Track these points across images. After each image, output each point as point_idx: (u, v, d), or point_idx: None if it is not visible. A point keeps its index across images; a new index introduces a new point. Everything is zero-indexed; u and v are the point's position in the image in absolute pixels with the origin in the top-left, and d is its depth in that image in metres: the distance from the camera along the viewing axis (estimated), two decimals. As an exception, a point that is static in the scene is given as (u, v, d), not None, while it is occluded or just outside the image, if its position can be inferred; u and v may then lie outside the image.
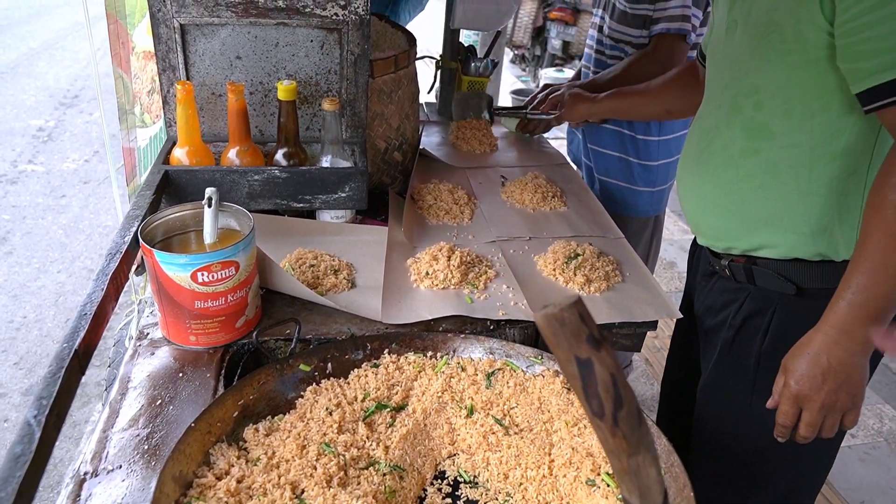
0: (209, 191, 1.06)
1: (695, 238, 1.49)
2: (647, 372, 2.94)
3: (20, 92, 6.01)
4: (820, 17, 1.00)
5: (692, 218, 1.33)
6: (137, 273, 1.20)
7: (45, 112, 5.62)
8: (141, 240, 1.02)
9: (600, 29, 2.07)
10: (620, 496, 0.80)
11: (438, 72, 2.29)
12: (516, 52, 7.58)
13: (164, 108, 1.44)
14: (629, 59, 1.96)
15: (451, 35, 2.20)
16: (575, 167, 2.16)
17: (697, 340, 1.46)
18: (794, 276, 1.19)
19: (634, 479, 0.57)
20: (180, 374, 1.05)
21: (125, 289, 1.05)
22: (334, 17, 1.39)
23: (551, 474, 0.94)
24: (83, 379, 0.83)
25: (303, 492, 0.86)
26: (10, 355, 2.88)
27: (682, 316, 1.31)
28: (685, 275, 1.56)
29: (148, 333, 1.14)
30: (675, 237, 4.12)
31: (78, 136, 5.20)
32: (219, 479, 0.85)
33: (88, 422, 2.55)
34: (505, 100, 4.66)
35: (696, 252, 1.48)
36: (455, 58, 2.22)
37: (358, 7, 1.38)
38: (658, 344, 3.10)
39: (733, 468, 1.34)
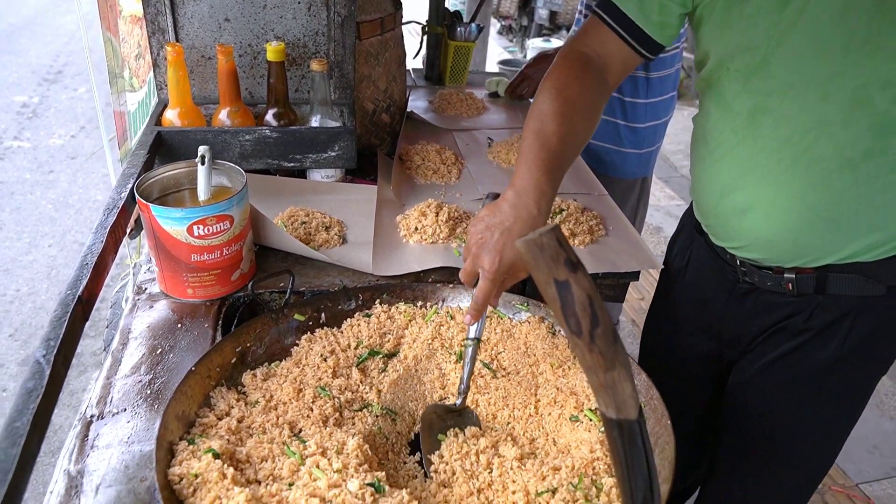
0: (202, 149, 1.09)
1: (684, 232, 1.36)
2: (633, 332, 3.01)
3: (2, 69, 5.92)
4: None
5: (770, 237, 1.10)
6: (131, 237, 1.23)
7: (28, 88, 5.55)
8: (137, 195, 1.05)
9: None
10: (598, 409, 0.84)
11: (425, 37, 2.30)
12: (503, 22, 7.53)
13: (154, 71, 1.46)
14: None
15: (436, 0, 2.21)
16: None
17: (679, 310, 1.38)
18: (885, 275, 1.09)
19: (611, 393, 0.61)
20: (179, 325, 1.08)
21: (117, 259, 1.07)
22: (320, -21, 1.41)
23: (537, 413, 0.98)
24: (79, 350, 0.86)
25: (300, 430, 0.90)
26: (5, 328, 2.90)
27: (662, 266, 1.34)
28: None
29: (146, 288, 1.17)
30: (662, 203, 4.17)
31: (63, 112, 5.16)
32: (220, 419, 0.89)
33: (86, 390, 2.59)
34: (493, 71, 4.64)
35: (691, 248, 1.31)
36: (441, 23, 2.23)
37: (343, -32, 1.40)
38: (644, 305, 3.15)
39: (769, 462, 1.29)
